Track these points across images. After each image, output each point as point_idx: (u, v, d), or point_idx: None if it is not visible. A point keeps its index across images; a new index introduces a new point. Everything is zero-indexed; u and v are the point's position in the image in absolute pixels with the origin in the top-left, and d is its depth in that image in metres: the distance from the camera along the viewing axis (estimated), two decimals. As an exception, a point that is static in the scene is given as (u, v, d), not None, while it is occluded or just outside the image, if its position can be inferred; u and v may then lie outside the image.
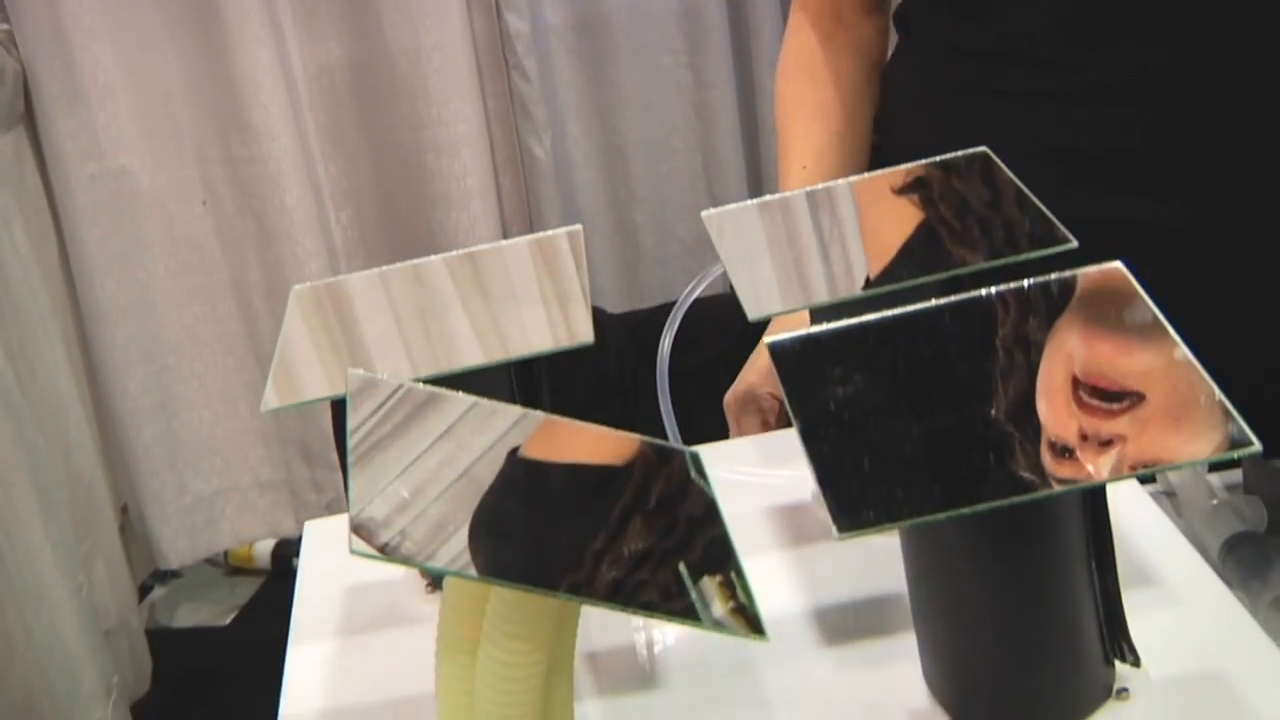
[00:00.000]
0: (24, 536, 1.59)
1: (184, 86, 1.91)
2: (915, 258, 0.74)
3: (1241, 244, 0.98)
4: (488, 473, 0.60)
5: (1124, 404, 0.58)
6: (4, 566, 1.55)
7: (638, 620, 0.77)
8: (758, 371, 1.07)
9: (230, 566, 2.25)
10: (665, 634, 0.76)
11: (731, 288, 0.74)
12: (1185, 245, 0.98)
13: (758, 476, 0.88)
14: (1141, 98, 0.96)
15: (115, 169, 1.90)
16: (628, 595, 0.56)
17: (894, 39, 1.17)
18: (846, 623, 0.74)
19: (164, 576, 2.23)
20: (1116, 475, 0.56)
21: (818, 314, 0.74)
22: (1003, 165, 0.78)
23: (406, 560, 0.56)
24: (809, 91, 1.14)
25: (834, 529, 0.55)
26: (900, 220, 0.77)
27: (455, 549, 0.57)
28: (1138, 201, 0.98)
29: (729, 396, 1.09)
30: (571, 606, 0.59)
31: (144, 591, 2.18)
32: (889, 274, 0.73)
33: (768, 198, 0.81)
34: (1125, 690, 0.63)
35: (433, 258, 0.81)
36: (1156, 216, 0.97)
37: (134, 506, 2.05)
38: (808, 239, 0.78)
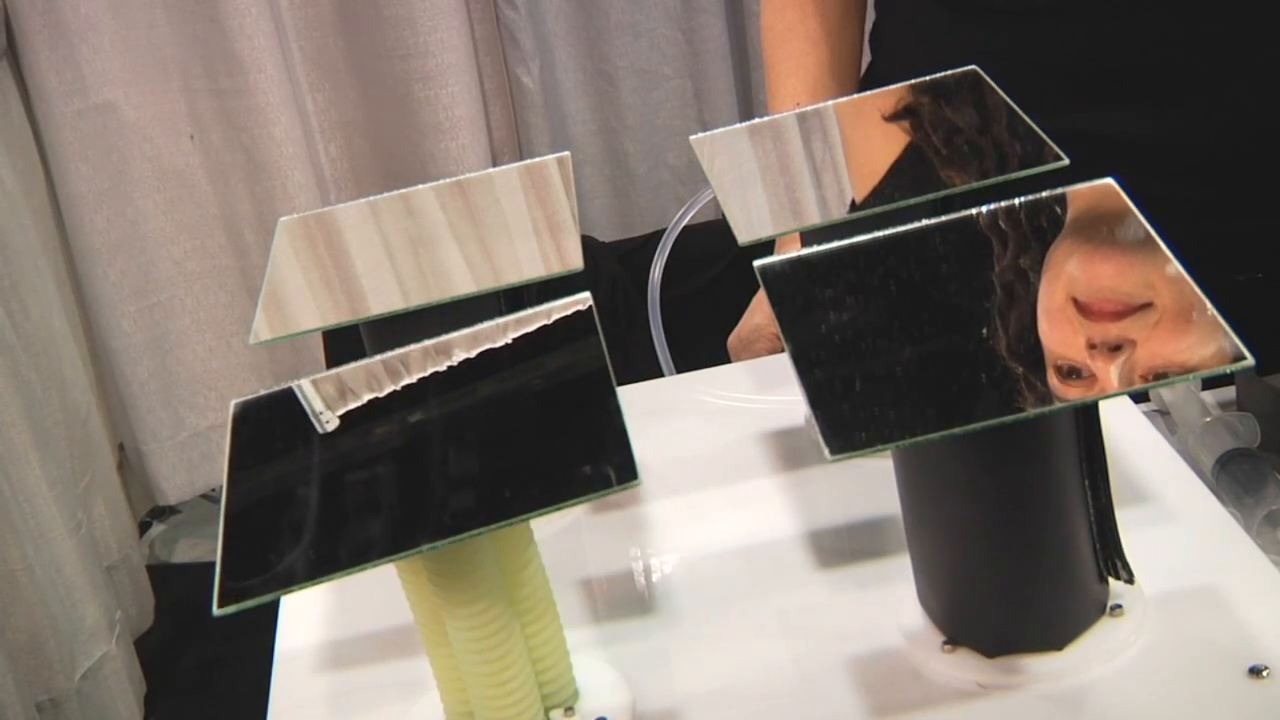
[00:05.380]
0: (22, 474, 1.59)
1: (167, 18, 1.89)
2: (907, 178, 0.73)
3: (1235, 157, 0.98)
4: (333, 465, 0.59)
5: (1124, 315, 0.58)
6: (3, 504, 1.55)
7: (635, 548, 0.77)
8: (764, 312, 1.07)
9: (228, 501, 2.25)
10: (662, 561, 0.76)
11: (722, 213, 0.74)
12: (1182, 159, 0.97)
13: (750, 402, 0.88)
14: (1134, 11, 0.95)
15: (101, 104, 1.88)
16: (502, 510, 0.55)
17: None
18: (841, 546, 0.74)
19: (162, 513, 2.23)
20: (1111, 391, 0.56)
21: (809, 238, 0.73)
22: (993, 84, 0.77)
23: (283, 590, 0.56)
24: (796, 23, 1.14)
25: (826, 451, 0.55)
26: (891, 141, 0.77)
27: (320, 555, 0.56)
28: (1132, 116, 0.97)
29: (733, 337, 1.09)
30: (493, 547, 0.59)
31: (143, 528, 2.19)
32: (880, 195, 0.73)
33: (757, 121, 0.81)
34: (1119, 607, 0.64)
35: (421, 186, 0.80)
36: (1154, 131, 0.97)
37: (130, 443, 2.05)
38: (799, 162, 0.78)
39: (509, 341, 0.63)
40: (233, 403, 0.64)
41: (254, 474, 0.60)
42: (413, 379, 0.62)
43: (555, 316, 0.63)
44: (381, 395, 0.62)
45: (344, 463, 0.60)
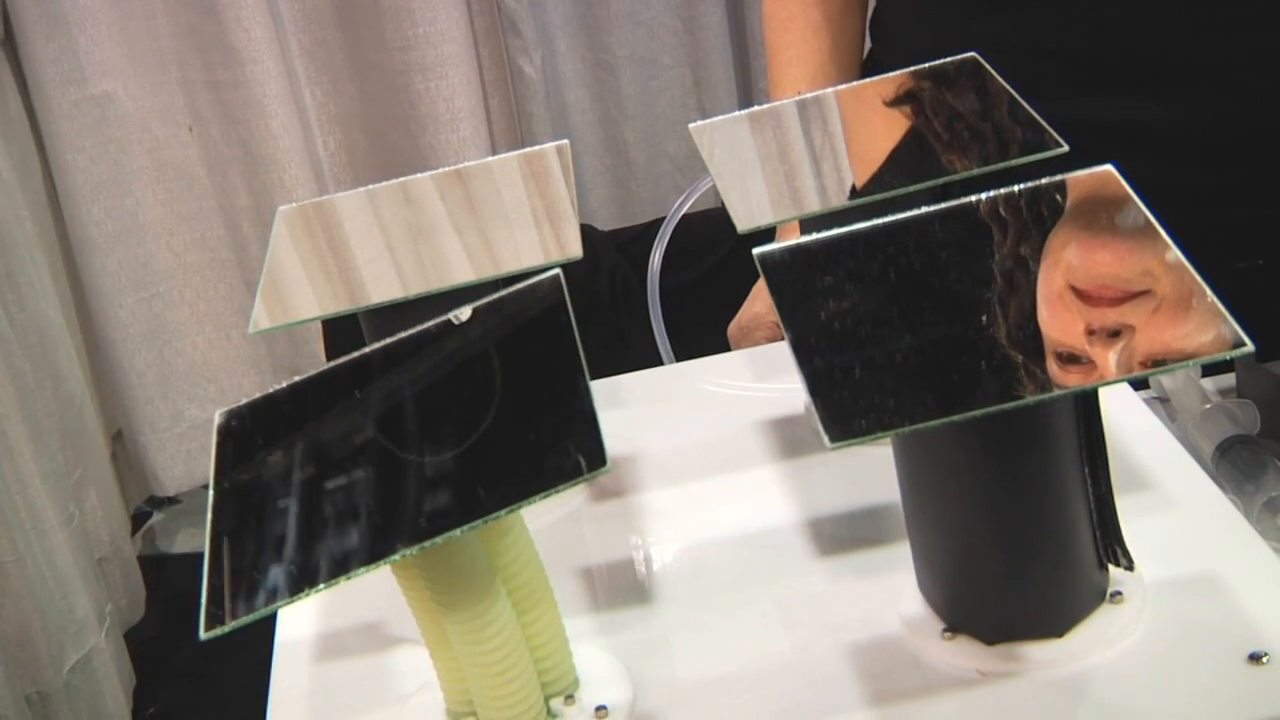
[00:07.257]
0: (15, 466, 1.59)
1: (165, 9, 1.88)
2: (906, 166, 0.73)
3: (1235, 144, 0.97)
4: (317, 483, 0.59)
5: (1124, 302, 0.57)
6: (-4, 496, 1.55)
7: (634, 537, 0.77)
8: (763, 300, 1.07)
9: (228, 492, 2.25)
10: (662, 550, 0.76)
11: (721, 201, 0.74)
12: (1182, 146, 0.97)
13: (750, 390, 0.88)
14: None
15: (99, 94, 1.88)
16: (475, 508, 0.55)
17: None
18: (841, 534, 0.74)
19: (162, 503, 2.24)
20: (1110, 378, 0.56)
21: (809, 225, 0.73)
22: (993, 71, 0.77)
23: (268, 608, 0.56)
24: (798, 12, 1.14)
25: (826, 439, 0.55)
26: (891, 128, 0.76)
27: (302, 570, 0.56)
28: (1134, 103, 0.97)
29: (733, 325, 1.08)
30: (479, 541, 0.59)
31: (143, 518, 2.19)
32: (880, 182, 0.72)
33: (756, 108, 0.80)
34: (1119, 594, 0.64)
35: (420, 175, 0.80)
36: (1155, 117, 0.97)
37: (129, 434, 2.05)
38: (798, 149, 0.78)
39: (479, 325, 0.62)
40: (217, 413, 0.64)
41: (235, 490, 0.60)
42: (387, 374, 0.62)
43: (524, 297, 0.63)
44: (358, 395, 0.62)
45: (323, 471, 0.59)
